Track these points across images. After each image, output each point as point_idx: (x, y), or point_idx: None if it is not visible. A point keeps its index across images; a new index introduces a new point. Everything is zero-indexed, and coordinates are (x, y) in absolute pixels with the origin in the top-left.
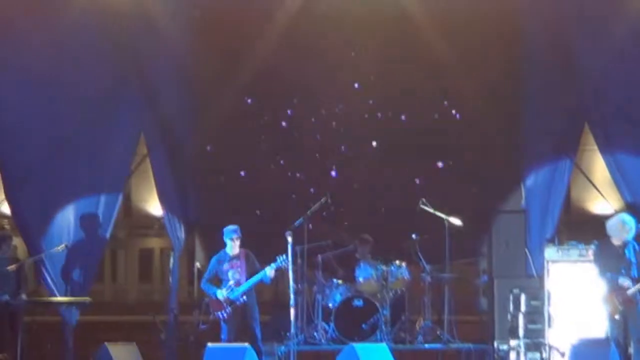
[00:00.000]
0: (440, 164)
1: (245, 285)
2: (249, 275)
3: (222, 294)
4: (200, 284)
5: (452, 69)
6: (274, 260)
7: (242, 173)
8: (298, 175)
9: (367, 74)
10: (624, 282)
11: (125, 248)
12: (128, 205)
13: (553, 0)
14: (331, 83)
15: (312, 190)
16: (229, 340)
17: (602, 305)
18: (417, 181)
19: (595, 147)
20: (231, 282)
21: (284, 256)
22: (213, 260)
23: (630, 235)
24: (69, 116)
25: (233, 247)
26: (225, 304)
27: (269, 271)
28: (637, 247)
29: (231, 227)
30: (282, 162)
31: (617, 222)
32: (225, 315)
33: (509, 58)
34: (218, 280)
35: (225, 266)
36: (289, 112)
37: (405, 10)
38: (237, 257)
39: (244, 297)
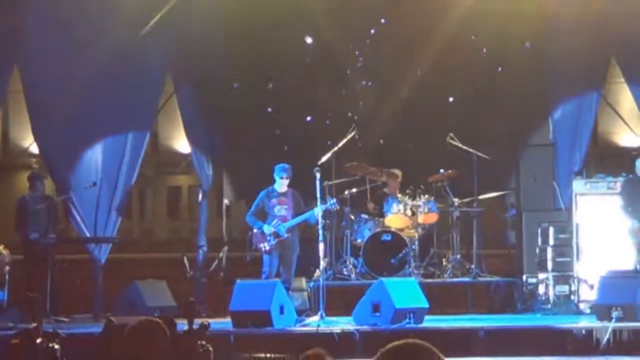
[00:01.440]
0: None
1: (292, 222)
2: (295, 214)
3: (268, 228)
4: (245, 218)
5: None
6: (324, 202)
7: (270, 109)
8: (325, 110)
9: (394, 12)
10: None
11: (153, 186)
12: (155, 143)
13: None
14: (359, 18)
15: (340, 125)
16: (270, 273)
17: (630, 238)
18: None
19: (622, 80)
20: (275, 221)
21: (334, 199)
22: (262, 194)
23: None
24: (96, 55)
25: (282, 184)
26: (269, 237)
27: (317, 211)
28: None
29: (283, 165)
30: (310, 98)
31: None
32: (268, 247)
33: None
34: (263, 215)
35: (273, 201)
36: (314, 47)
37: None
38: (284, 194)
39: (289, 234)
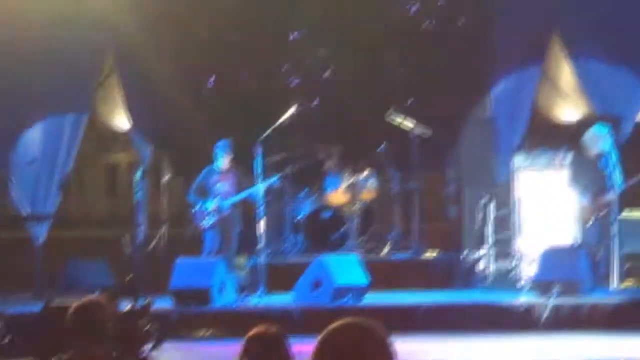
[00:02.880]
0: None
1: (234, 198)
2: (237, 191)
3: (211, 204)
4: (187, 195)
5: None
6: (265, 178)
7: (211, 84)
8: (266, 86)
9: None
10: (582, 201)
11: (91, 163)
12: (93, 120)
13: None
14: None
15: (280, 100)
16: (211, 249)
17: (577, 214)
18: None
19: (564, 54)
20: (217, 198)
21: (277, 176)
22: (204, 171)
23: (606, 144)
24: (34, 35)
25: (223, 162)
26: (211, 214)
27: (261, 187)
28: (614, 155)
29: (223, 142)
30: (250, 72)
31: (592, 134)
32: (210, 224)
33: None
34: (205, 192)
35: (215, 178)
36: (256, 23)
37: None
38: (226, 171)
39: (231, 210)
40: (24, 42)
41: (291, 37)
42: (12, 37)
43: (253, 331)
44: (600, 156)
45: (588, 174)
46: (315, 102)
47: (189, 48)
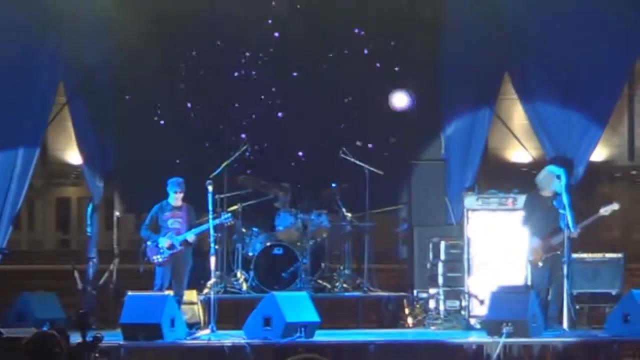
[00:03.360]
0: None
1: (186, 234)
2: (189, 228)
3: (164, 240)
4: (139, 231)
5: (369, 15)
6: (217, 216)
7: (162, 122)
8: (217, 124)
9: (288, 24)
10: (533, 242)
11: (42, 197)
12: (45, 154)
13: None
14: (252, 32)
15: (232, 138)
16: (162, 285)
17: (527, 254)
18: (339, 127)
19: (514, 96)
20: (169, 234)
21: (229, 214)
22: (156, 207)
23: (559, 185)
24: None
25: (175, 199)
26: (162, 250)
27: (212, 224)
28: (566, 197)
29: (175, 179)
30: (201, 111)
31: (546, 174)
32: (161, 260)
33: (429, 6)
34: (156, 228)
35: (167, 215)
36: (209, 60)
37: None
38: (179, 208)
39: (182, 247)
40: None
41: (242, 73)
42: None
43: None
44: (553, 197)
45: (541, 214)
46: (267, 140)
47: (142, 83)
